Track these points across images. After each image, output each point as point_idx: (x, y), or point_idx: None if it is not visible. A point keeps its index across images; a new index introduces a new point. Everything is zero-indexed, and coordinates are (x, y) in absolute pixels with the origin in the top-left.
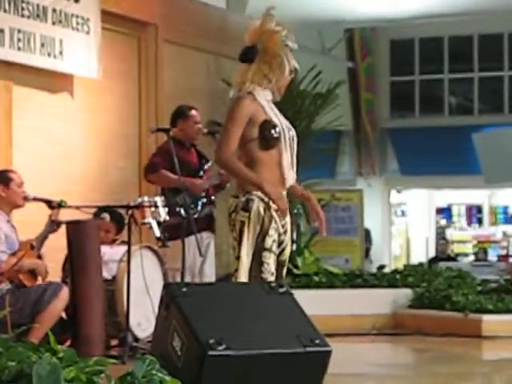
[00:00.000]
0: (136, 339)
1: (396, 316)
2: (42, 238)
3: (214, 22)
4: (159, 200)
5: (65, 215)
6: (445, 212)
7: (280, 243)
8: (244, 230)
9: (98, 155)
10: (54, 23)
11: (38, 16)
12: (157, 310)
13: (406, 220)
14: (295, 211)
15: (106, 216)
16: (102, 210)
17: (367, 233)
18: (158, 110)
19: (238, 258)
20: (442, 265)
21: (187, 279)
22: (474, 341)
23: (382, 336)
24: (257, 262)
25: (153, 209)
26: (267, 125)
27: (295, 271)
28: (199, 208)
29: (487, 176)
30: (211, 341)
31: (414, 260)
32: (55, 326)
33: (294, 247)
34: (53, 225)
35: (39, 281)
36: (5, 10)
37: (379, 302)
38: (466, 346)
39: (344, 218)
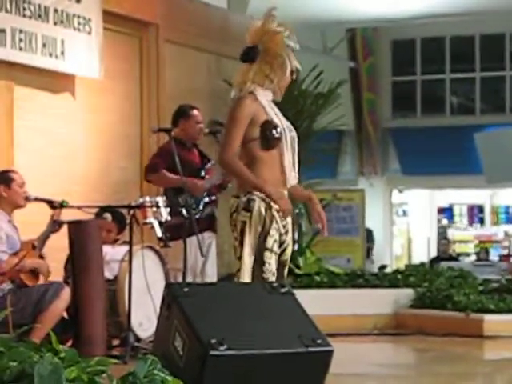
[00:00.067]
0: (138, 339)
1: (397, 316)
2: (44, 237)
3: (216, 22)
4: (161, 200)
5: (66, 215)
6: (446, 212)
7: (281, 243)
8: (245, 230)
9: (99, 155)
10: (55, 23)
11: (39, 16)
12: (158, 309)
13: (408, 220)
14: (297, 211)
15: (108, 216)
16: (103, 210)
17: (370, 233)
18: (159, 109)
19: (239, 258)
20: (444, 265)
21: (189, 279)
22: (475, 341)
23: (383, 336)
24: (258, 262)
25: (154, 209)
26: (268, 125)
27: (297, 271)
28: (201, 208)
29: (489, 176)
30: (213, 341)
31: (416, 260)
32: (57, 326)
33: (296, 247)
34: (54, 225)
35: (41, 280)
36: (6, 10)
37: (381, 301)
38: (467, 345)
39: (345, 218)
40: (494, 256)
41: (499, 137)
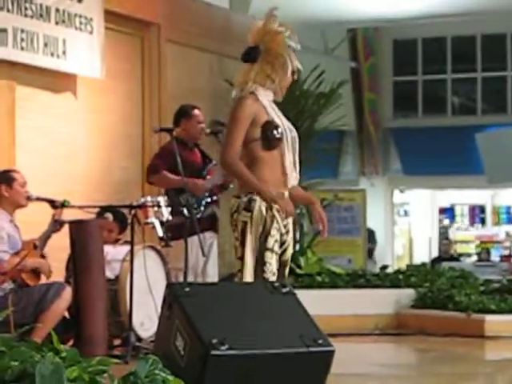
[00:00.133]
0: (139, 339)
1: (399, 316)
2: (45, 237)
3: (217, 21)
4: (162, 200)
5: (68, 215)
6: (448, 212)
7: (282, 243)
8: (246, 231)
9: (101, 155)
10: (57, 23)
11: (41, 16)
12: (159, 309)
13: (409, 220)
14: (298, 211)
15: (109, 216)
16: (105, 209)
17: (372, 234)
18: (161, 109)
19: (241, 258)
20: (445, 265)
21: (190, 279)
22: (476, 341)
23: (384, 336)
24: (259, 262)
25: (156, 208)
26: (269, 125)
27: (298, 271)
28: (202, 208)
29: (490, 176)
30: (214, 340)
31: (417, 260)
32: (58, 326)
33: (297, 247)
34: (56, 224)
35: (42, 280)
36: (8, 10)
37: (382, 302)
38: (468, 346)
39: (347, 218)
40: (495, 256)
41: (500, 137)
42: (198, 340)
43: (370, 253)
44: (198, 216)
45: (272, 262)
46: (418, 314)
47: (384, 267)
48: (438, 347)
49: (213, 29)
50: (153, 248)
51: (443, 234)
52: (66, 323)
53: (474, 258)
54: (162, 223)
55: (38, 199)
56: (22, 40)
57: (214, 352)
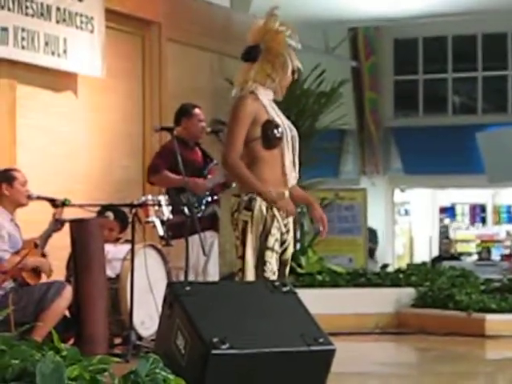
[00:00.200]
0: (139, 338)
1: (399, 315)
2: (46, 236)
3: (218, 20)
4: (163, 199)
5: (69, 214)
6: (448, 211)
7: (282, 242)
8: (247, 230)
9: (101, 154)
10: (57, 22)
11: (41, 15)
12: (160, 308)
13: (410, 219)
14: (299, 210)
15: (110, 214)
16: (105, 208)
17: (374, 233)
18: (161, 108)
19: (241, 257)
20: (446, 264)
21: (190, 278)
22: (477, 340)
23: (385, 335)
24: (259, 261)
25: (156, 207)
26: (270, 124)
27: (299, 270)
28: (203, 207)
29: (491, 175)
30: (215, 339)
31: (418, 259)
32: (59, 325)
33: (298, 246)
34: (57, 224)
35: (43, 279)
36: (9, 9)
37: (382, 301)
38: (469, 345)
39: (347, 217)
40: (495, 255)
41: (501, 136)
42: (199, 339)
43: (372, 252)
44: (199, 215)
45: (272, 261)
46: (419, 313)
47: (385, 266)
48: (439, 346)
49: (213, 28)
50: (153, 247)
51: (444, 233)
52: (67, 322)
53: (475, 257)
54: (162, 222)
55: (39, 198)
56: (23, 39)
57: (214, 351)
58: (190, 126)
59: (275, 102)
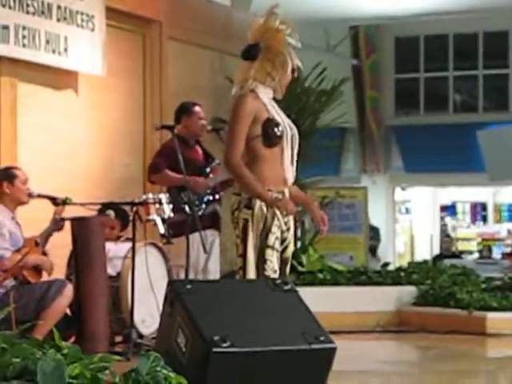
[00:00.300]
0: (140, 336)
1: (400, 313)
2: (47, 234)
3: (219, 19)
4: (164, 197)
5: (69, 212)
6: (449, 209)
7: (283, 240)
8: (248, 228)
9: (102, 152)
10: (58, 20)
11: (42, 13)
12: (161, 306)
13: (411, 217)
14: (299, 208)
15: (111, 213)
16: (106, 206)
17: (376, 231)
18: (162, 106)
19: (242, 255)
20: (447, 262)
21: (190, 276)
22: (478, 338)
23: (386, 333)
24: (259, 259)
25: (157, 206)
26: (270, 123)
27: (300, 268)
28: (203, 206)
29: (491, 174)
30: (216, 338)
31: (418, 257)
32: (60, 323)
33: (299, 244)
34: (57, 223)
35: (44, 277)
36: (10, 7)
37: (383, 299)
38: (470, 343)
39: (348, 216)
40: (496, 254)
41: (502, 134)
42: (200, 337)
43: (374, 250)
44: (200, 213)
45: (273, 259)
46: (420, 312)
47: (385, 264)
48: (440, 344)
49: (214, 26)
50: (154, 245)
51: (445, 232)
52: (68, 320)
53: (476, 255)
54: (163, 220)
55: (40, 196)
56: (24, 37)
57: (215, 349)
58: (190, 124)
59: (275, 100)
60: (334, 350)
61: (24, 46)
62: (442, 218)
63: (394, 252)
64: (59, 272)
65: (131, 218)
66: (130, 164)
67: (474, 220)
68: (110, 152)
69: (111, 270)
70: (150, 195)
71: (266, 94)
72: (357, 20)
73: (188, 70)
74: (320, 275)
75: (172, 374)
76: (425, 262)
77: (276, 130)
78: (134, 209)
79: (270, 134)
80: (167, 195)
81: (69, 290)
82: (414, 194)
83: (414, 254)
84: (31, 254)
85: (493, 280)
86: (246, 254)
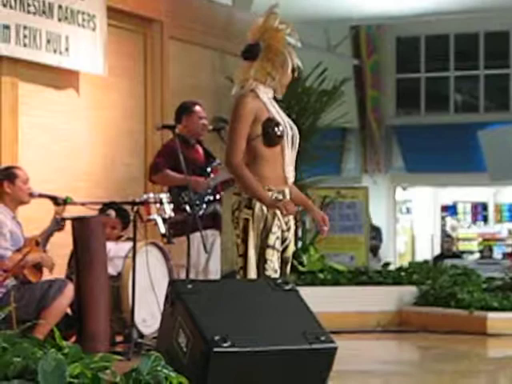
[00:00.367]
0: (141, 335)
1: (401, 313)
2: (47, 234)
3: (220, 18)
4: (164, 197)
5: (70, 211)
6: (450, 209)
7: (283, 240)
8: (249, 228)
9: (103, 151)
10: (59, 20)
11: (43, 12)
12: (162, 306)
13: (411, 217)
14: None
15: (112, 212)
16: (107, 206)
17: (378, 231)
18: (163, 106)
19: (242, 255)
20: (447, 262)
21: (191, 276)
22: (478, 338)
23: (387, 333)
24: (260, 259)
25: (158, 205)
26: (270, 122)
27: (300, 268)
28: (204, 205)
29: (493, 173)
30: (216, 337)
31: (419, 257)
32: (60, 322)
33: (300, 244)
34: (58, 223)
35: (45, 276)
36: (11, 7)
37: (384, 299)
38: (470, 343)
39: (349, 215)
40: (497, 254)
41: (503, 134)
42: (201, 337)
43: (376, 250)
44: (200, 213)
45: (273, 259)
46: (421, 312)
47: (386, 264)
48: (440, 344)
49: (215, 26)
50: (155, 245)
51: (445, 232)
52: (69, 320)
53: (477, 255)
54: (164, 220)
55: (41, 196)
56: (25, 37)
57: (216, 349)
58: (190, 124)
59: (276, 99)
60: (334, 349)
61: (25, 45)
62: (443, 218)
63: (395, 252)
64: (60, 272)
65: (132, 217)
66: (131, 164)
67: (474, 220)
68: (110, 152)
69: (112, 270)
70: (151, 195)
71: (266, 94)
72: (358, 20)
73: (189, 70)
74: (321, 275)
75: (173, 374)
76: (426, 261)
77: (276, 129)
78: (135, 208)
79: (270, 134)
80: (168, 195)
81: (69, 290)
82: (414, 194)
83: (415, 254)
84: (32, 253)
85: (493, 280)
86: (246, 254)
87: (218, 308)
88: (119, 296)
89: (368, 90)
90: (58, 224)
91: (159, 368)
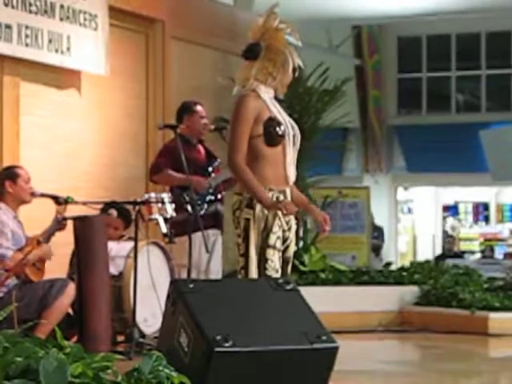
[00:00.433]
0: (142, 335)
1: (402, 313)
2: (49, 234)
3: (222, 18)
4: (166, 196)
5: (72, 211)
6: (451, 209)
7: (284, 240)
8: (250, 228)
9: (105, 151)
10: (61, 19)
11: (45, 12)
12: (163, 306)
13: (413, 217)
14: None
15: (113, 212)
16: (109, 205)
17: (381, 231)
18: (165, 106)
19: (244, 255)
20: (449, 262)
21: (193, 275)
22: (480, 338)
23: (388, 333)
24: (261, 259)
25: (159, 205)
26: (272, 122)
27: (302, 268)
28: (205, 205)
29: (494, 173)
30: (218, 337)
31: (421, 257)
32: (62, 322)
33: (301, 244)
34: (60, 222)
35: (46, 275)
36: (13, 6)
37: (386, 299)
38: (472, 343)
39: (351, 215)
40: (499, 254)
41: (505, 134)
42: (202, 336)
43: (378, 250)
44: (202, 213)
45: (274, 258)
46: (422, 311)
47: (388, 264)
48: (442, 344)
49: (217, 26)
50: (157, 244)
51: (447, 232)
52: (70, 319)
53: (478, 255)
54: (165, 220)
55: (42, 195)
56: (27, 36)
57: (217, 349)
58: (191, 124)
59: (277, 99)
60: (336, 349)
61: (27, 45)
62: (445, 218)
63: (396, 252)
64: (61, 271)
65: (133, 217)
66: (132, 163)
67: (476, 220)
68: (112, 151)
69: (113, 270)
70: (153, 194)
71: (267, 94)
72: (359, 20)
73: (191, 70)
74: (322, 275)
75: (174, 374)
76: (427, 261)
77: (278, 129)
78: (137, 208)
79: (271, 133)
80: (169, 194)
81: (71, 290)
82: (416, 194)
83: (416, 254)
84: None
85: (495, 280)
86: (247, 254)
87: (219, 308)
88: (121, 296)
89: (369, 89)
90: (59, 223)
91: (160, 368)
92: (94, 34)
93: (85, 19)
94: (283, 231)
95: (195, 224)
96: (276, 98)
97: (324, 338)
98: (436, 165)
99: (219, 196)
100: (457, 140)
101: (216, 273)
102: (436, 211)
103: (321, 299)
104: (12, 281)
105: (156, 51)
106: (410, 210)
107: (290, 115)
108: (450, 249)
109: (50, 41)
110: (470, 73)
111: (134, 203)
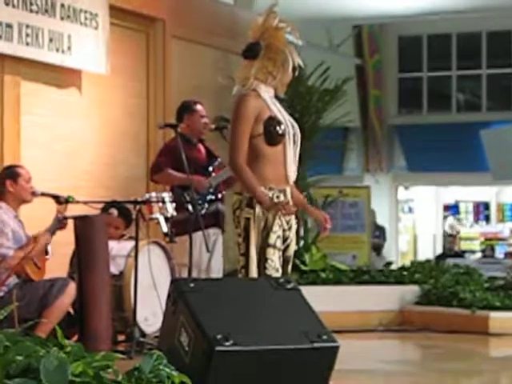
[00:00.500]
0: (143, 334)
1: (403, 312)
2: (49, 233)
3: (222, 18)
4: (167, 196)
5: (73, 210)
6: (452, 209)
7: (285, 239)
8: (250, 227)
9: (105, 151)
10: (62, 18)
11: (46, 11)
12: (164, 305)
13: (414, 216)
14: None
15: (114, 211)
16: (109, 205)
17: (382, 230)
18: (165, 105)
19: (244, 254)
20: (449, 261)
21: (193, 275)
22: (481, 338)
23: (388, 332)
24: (261, 258)
25: (160, 204)
26: (272, 121)
27: (302, 267)
28: (206, 204)
29: (495, 173)
30: (218, 336)
31: (421, 256)
32: (62, 321)
33: (302, 243)
34: (60, 222)
35: (47, 275)
36: (13, 6)
37: (386, 298)
38: (472, 343)
39: (351, 215)
40: (499, 253)
41: (505, 134)
42: (203, 336)
43: (379, 249)
44: (202, 212)
45: (274, 258)
46: (423, 311)
47: (388, 264)
48: (442, 344)
49: (218, 25)
50: (157, 244)
51: (447, 231)
52: (71, 319)
53: (479, 254)
54: (166, 219)
55: (43, 195)
56: (27, 35)
57: (218, 348)
58: (192, 123)
59: (278, 98)
60: (336, 348)
61: (27, 44)
62: (445, 218)
63: (397, 251)
64: (62, 270)
65: (134, 216)
66: (133, 163)
67: (476, 219)
68: (113, 150)
69: (114, 269)
70: (153, 194)
71: (267, 93)
72: (360, 19)
73: (191, 69)
74: (323, 274)
75: (175, 373)
76: (428, 261)
77: (278, 128)
78: (137, 207)
79: (272, 133)
80: (170, 194)
81: (71, 289)
82: (416, 193)
83: (417, 253)
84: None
85: (495, 279)
86: (248, 253)
87: (219, 307)
88: (121, 295)
89: (370, 89)
90: (60, 222)
91: (161, 367)
92: (95, 33)
93: (85, 18)
94: (283, 230)
95: (196, 223)
96: (276, 96)
97: (324, 337)
98: (437, 164)
99: (220, 195)
100: (457, 139)
101: (217, 272)
102: (437, 211)
103: (321, 298)
104: (13, 280)
105: (156, 50)
106: (410, 210)
107: (291, 115)
108: (451, 248)
109: (50, 40)
110: (470, 72)
111: (135, 202)
